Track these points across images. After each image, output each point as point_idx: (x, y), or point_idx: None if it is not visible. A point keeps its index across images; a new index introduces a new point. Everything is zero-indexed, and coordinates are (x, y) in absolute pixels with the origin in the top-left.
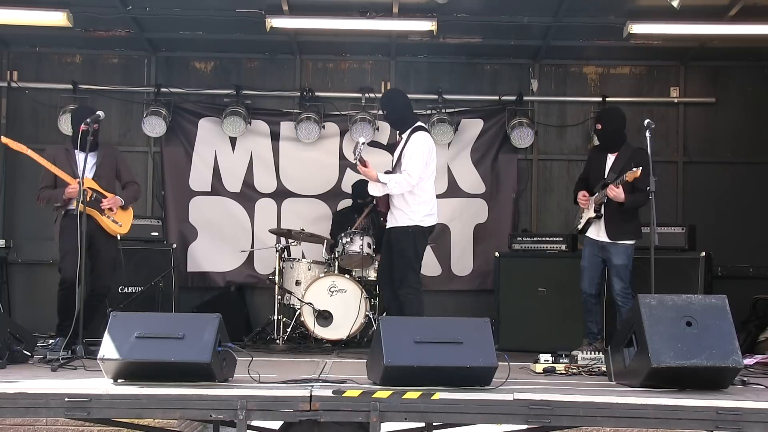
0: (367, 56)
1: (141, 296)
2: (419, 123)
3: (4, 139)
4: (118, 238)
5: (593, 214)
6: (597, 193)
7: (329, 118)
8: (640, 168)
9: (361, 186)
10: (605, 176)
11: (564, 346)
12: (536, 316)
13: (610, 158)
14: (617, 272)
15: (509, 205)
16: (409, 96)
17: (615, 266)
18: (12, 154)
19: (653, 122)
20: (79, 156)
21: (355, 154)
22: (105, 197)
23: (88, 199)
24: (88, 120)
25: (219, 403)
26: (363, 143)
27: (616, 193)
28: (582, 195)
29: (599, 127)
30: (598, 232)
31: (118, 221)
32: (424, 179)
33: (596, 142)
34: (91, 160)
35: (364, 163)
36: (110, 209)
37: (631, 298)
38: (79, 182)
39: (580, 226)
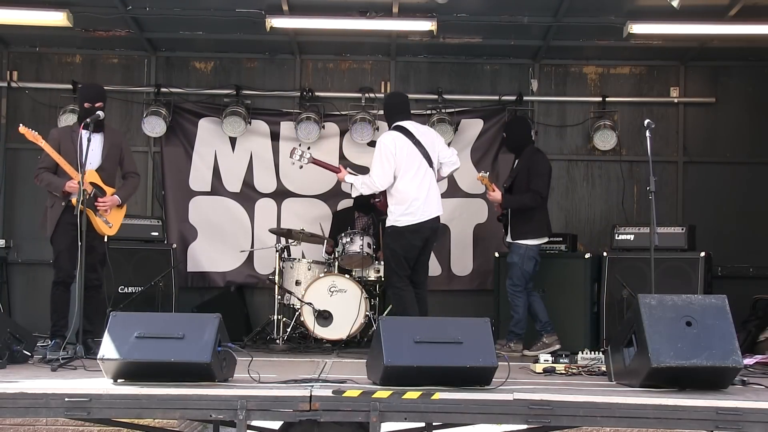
0: (367, 56)
1: (141, 296)
2: (397, 123)
3: (22, 129)
4: (105, 239)
5: (498, 216)
6: None
7: (329, 118)
8: (482, 173)
9: None
10: None
11: (564, 346)
12: None
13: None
14: (508, 268)
15: None
16: (408, 96)
17: (508, 263)
18: (12, 154)
19: (653, 122)
20: (85, 139)
21: (293, 159)
22: (103, 194)
23: (87, 196)
24: (95, 106)
25: (219, 403)
26: (301, 147)
27: (493, 196)
28: (496, 206)
29: (504, 136)
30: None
31: (110, 222)
32: (399, 178)
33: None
34: (97, 145)
35: (335, 170)
36: (105, 210)
37: (518, 296)
38: (79, 182)
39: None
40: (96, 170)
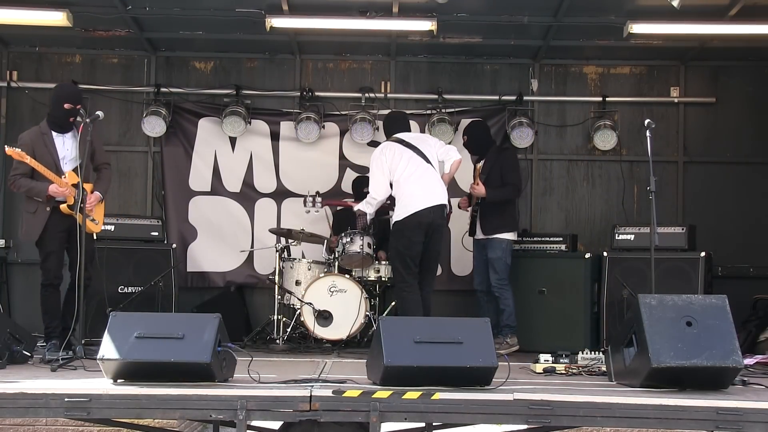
0: (367, 56)
1: (141, 296)
2: (394, 136)
3: (8, 150)
4: (94, 237)
5: (471, 212)
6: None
7: (329, 118)
8: (480, 163)
9: (360, 181)
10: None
11: (564, 346)
12: (536, 316)
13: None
14: (492, 264)
15: None
16: (408, 96)
17: (490, 259)
18: None
19: (653, 122)
20: (57, 140)
21: (307, 208)
22: (87, 193)
23: (72, 200)
24: (77, 107)
25: (219, 403)
26: (308, 194)
27: (477, 189)
28: (462, 200)
29: (465, 139)
30: (478, 231)
31: (96, 219)
32: (395, 180)
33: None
34: (70, 143)
35: (347, 204)
36: (90, 209)
37: (506, 289)
38: (78, 184)
39: (468, 229)
40: (74, 170)
